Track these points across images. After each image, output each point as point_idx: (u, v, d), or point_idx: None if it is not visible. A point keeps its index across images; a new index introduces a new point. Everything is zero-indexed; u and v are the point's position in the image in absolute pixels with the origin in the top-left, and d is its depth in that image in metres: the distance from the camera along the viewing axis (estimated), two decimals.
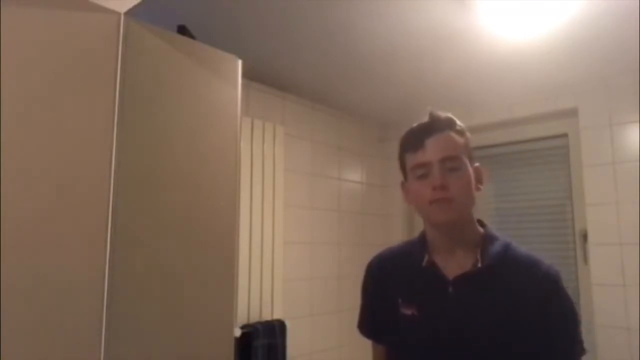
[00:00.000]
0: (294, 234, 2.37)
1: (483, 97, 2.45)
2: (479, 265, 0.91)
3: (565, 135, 2.41)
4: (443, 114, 0.97)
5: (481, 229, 0.99)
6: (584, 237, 2.26)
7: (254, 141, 2.14)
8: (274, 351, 2.04)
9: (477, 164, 0.97)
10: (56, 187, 0.95)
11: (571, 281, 2.33)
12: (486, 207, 2.71)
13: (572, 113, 2.31)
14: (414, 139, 0.96)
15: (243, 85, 1.32)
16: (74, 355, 0.94)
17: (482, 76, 2.16)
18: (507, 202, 2.63)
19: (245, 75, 1.35)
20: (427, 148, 0.92)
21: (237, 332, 1.88)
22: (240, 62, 1.32)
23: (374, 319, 1.08)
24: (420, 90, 2.37)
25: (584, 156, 2.25)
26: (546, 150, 2.51)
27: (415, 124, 0.99)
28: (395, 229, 2.90)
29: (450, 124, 0.96)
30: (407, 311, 0.96)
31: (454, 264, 0.94)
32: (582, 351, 0.91)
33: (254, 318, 2.06)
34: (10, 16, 0.93)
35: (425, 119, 0.98)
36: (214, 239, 1.20)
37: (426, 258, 0.97)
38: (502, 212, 2.65)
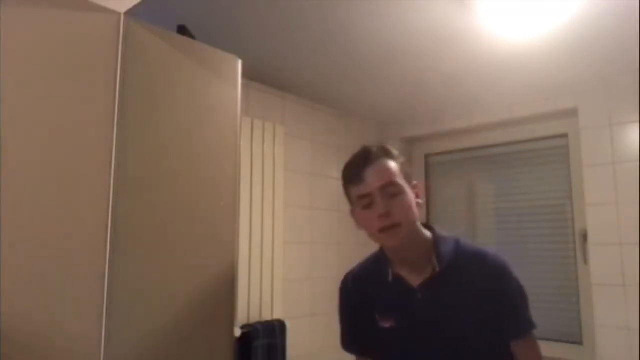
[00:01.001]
0: (294, 234, 2.37)
1: (483, 97, 2.45)
2: (437, 269, 1.02)
3: (565, 135, 2.41)
4: (375, 145, 1.06)
5: (429, 233, 1.08)
6: (584, 237, 2.26)
7: (254, 141, 2.14)
8: (274, 351, 2.04)
9: (415, 182, 1.06)
10: (56, 187, 0.95)
11: (571, 281, 2.33)
12: (486, 207, 2.71)
13: (572, 113, 2.31)
14: (354, 172, 1.02)
15: (243, 85, 1.32)
16: (74, 356, 0.94)
17: (482, 76, 2.16)
18: (507, 202, 2.63)
19: (245, 75, 1.35)
20: (366, 179, 1.00)
21: (237, 332, 1.88)
22: (240, 62, 1.32)
23: (355, 335, 1.17)
24: (420, 90, 2.37)
25: (584, 156, 2.24)
26: (546, 150, 2.51)
27: (352, 157, 1.07)
28: None
29: (384, 153, 1.04)
30: (386, 324, 1.06)
31: (416, 273, 1.04)
32: (532, 324, 1.03)
33: (254, 318, 2.06)
34: (10, 16, 0.93)
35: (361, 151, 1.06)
36: (214, 238, 1.20)
37: (390, 273, 1.07)
38: (502, 212, 2.65)
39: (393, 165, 1.02)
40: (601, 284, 2.14)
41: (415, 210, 1.02)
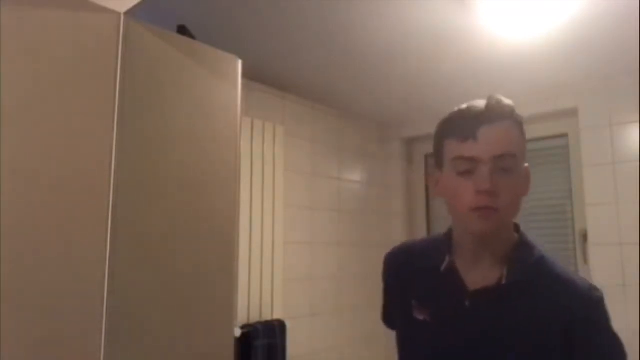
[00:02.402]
0: (294, 234, 2.37)
1: (483, 97, 2.44)
2: (504, 281, 0.78)
3: (565, 135, 2.41)
4: (505, 99, 0.79)
5: (515, 235, 0.85)
6: (584, 237, 2.26)
7: (254, 141, 2.14)
8: (274, 351, 2.04)
9: (526, 165, 0.82)
10: (56, 188, 0.95)
11: None
12: None
13: (572, 113, 2.31)
14: (464, 125, 0.77)
15: (243, 85, 1.32)
16: (74, 357, 0.94)
17: (482, 76, 2.16)
18: None
19: (245, 75, 1.35)
20: (479, 139, 0.75)
21: (237, 332, 1.88)
22: (240, 62, 1.32)
23: (391, 311, 1.01)
24: (420, 90, 2.37)
25: (584, 156, 2.24)
26: (546, 150, 2.51)
27: (465, 106, 0.80)
28: (395, 229, 2.90)
29: (511, 113, 0.78)
30: (420, 316, 0.87)
31: (477, 274, 0.81)
32: None
33: (254, 318, 2.06)
34: (10, 16, 0.93)
35: (479, 104, 0.79)
36: (214, 239, 1.20)
37: (447, 261, 0.84)
38: None
39: (518, 133, 0.78)
40: (601, 284, 2.13)
41: (521, 200, 0.80)
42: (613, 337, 0.76)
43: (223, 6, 1.55)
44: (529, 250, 0.82)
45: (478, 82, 2.23)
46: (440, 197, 0.85)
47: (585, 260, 2.26)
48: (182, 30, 1.33)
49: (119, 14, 1.08)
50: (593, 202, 2.20)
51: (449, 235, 0.89)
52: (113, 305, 0.99)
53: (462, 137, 0.77)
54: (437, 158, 0.85)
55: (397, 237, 2.78)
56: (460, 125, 0.78)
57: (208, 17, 1.61)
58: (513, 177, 0.76)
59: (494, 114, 0.77)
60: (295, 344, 2.20)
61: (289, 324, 2.14)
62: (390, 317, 1.01)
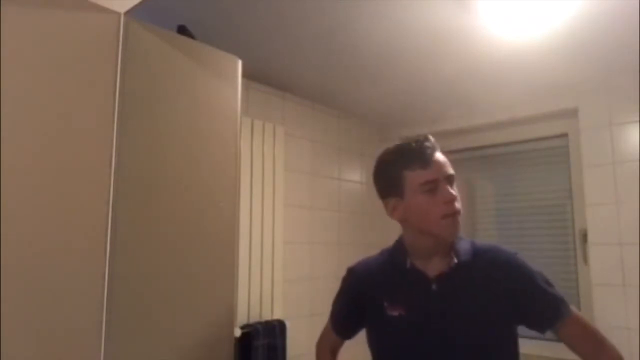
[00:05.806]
0: (294, 234, 2.37)
1: (483, 97, 2.45)
2: (455, 262, 1.03)
3: (565, 135, 2.41)
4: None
5: None
6: (584, 237, 2.26)
7: (254, 141, 2.14)
8: (274, 351, 2.04)
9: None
10: (56, 188, 0.95)
11: (571, 281, 2.33)
12: (486, 207, 2.71)
13: (572, 113, 2.31)
14: (422, 156, 1.01)
15: (243, 85, 1.32)
16: (73, 357, 0.94)
17: (482, 76, 2.16)
18: (507, 202, 2.63)
19: (245, 75, 1.35)
20: (435, 165, 1.01)
21: (237, 332, 1.88)
22: (240, 62, 1.32)
23: (347, 318, 1.21)
24: (420, 91, 2.37)
25: (584, 156, 2.25)
26: (546, 150, 2.51)
27: (413, 143, 1.04)
28: (395, 229, 2.89)
29: (438, 145, 1.07)
30: (394, 312, 1.05)
31: (433, 266, 1.05)
32: (564, 300, 1.05)
33: (254, 318, 2.06)
34: (10, 16, 0.93)
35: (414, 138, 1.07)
36: (214, 239, 1.20)
37: (409, 261, 1.07)
38: (502, 212, 2.65)
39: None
40: (601, 284, 2.14)
41: None
42: (534, 271, 1.04)
43: (223, 6, 1.55)
44: (462, 240, 1.08)
45: (478, 82, 2.23)
46: (399, 219, 1.09)
47: (585, 260, 2.26)
48: (182, 30, 1.33)
49: (119, 14, 1.08)
50: (593, 202, 2.20)
51: (401, 244, 1.12)
52: (113, 304, 0.99)
53: (424, 165, 1.00)
54: (393, 188, 1.05)
55: (397, 237, 2.77)
56: (419, 157, 1.01)
57: (208, 17, 1.61)
58: (456, 190, 1.03)
59: (436, 147, 1.04)
60: (295, 344, 2.20)
61: (289, 324, 2.14)
62: (341, 325, 1.23)
